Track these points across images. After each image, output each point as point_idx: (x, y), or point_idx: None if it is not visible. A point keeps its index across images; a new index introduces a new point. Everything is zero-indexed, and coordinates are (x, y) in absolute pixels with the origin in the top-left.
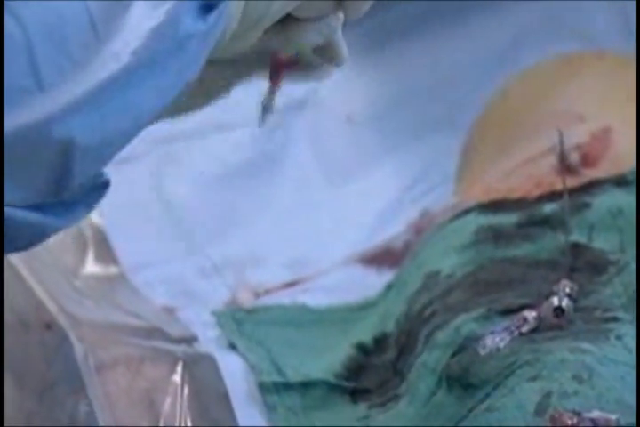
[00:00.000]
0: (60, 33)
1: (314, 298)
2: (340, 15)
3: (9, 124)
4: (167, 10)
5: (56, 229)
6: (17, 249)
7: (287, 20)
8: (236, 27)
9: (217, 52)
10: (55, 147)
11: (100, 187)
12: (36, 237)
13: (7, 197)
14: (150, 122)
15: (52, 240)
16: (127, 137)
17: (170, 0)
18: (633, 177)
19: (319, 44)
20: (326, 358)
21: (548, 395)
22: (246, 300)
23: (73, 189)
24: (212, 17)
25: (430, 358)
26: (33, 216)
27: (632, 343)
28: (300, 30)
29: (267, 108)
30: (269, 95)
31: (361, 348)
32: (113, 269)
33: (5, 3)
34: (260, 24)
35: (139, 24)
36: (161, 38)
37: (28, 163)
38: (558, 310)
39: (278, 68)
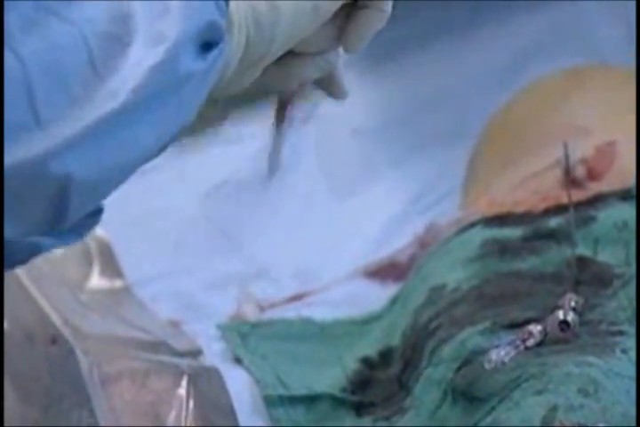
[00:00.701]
0: (60, 70)
1: (319, 312)
2: (340, 50)
3: (6, 159)
4: (167, 48)
5: (51, 248)
6: (15, 264)
7: (286, 55)
8: (236, 66)
9: (217, 90)
10: (52, 182)
11: (93, 214)
12: (33, 254)
13: (6, 233)
14: (149, 158)
15: (57, 254)
16: (125, 173)
17: (169, 39)
18: None
19: (318, 78)
20: (331, 372)
21: (553, 409)
22: (251, 313)
23: (70, 223)
24: (211, 56)
25: (436, 372)
26: (30, 238)
27: None
28: (300, 65)
29: (274, 161)
30: (276, 147)
31: (366, 362)
32: (118, 283)
33: (5, 39)
34: (260, 62)
35: (138, 62)
36: (160, 76)
37: (25, 198)
38: (564, 324)
39: (283, 113)
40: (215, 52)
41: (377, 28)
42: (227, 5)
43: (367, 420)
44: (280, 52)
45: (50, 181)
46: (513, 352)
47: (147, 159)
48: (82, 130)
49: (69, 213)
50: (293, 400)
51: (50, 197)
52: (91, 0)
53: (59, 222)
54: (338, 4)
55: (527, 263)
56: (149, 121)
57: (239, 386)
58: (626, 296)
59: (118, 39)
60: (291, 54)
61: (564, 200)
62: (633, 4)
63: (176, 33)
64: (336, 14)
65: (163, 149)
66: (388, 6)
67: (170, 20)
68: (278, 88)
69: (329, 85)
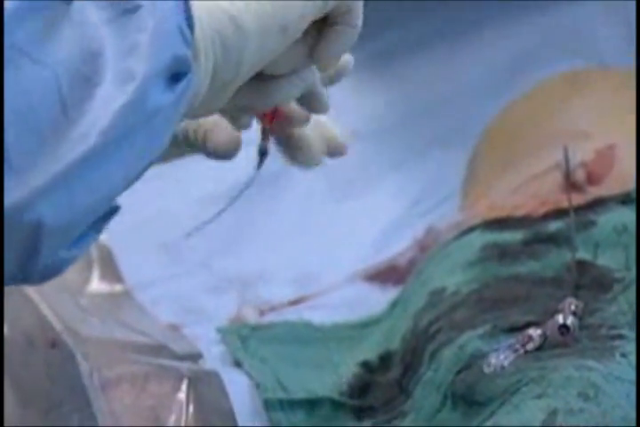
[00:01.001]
0: (31, 115)
1: (318, 315)
2: (314, 68)
3: None
4: (136, 87)
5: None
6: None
7: (260, 77)
8: (205, 91)
9: (187, 116)
10: (25, 229)
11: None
12: None
13: None
14: (119, 193)
15: None
16: (95, 213)
17: (138, 76)
18: None
19: (296, 96)
20: (331, 376)
21: (553, 412)
22: (251, 317)
23: (41, 266)
24: (179, 87)
25: (435, 376)
26: None
27: None
28: (272, 86)
29: (263, 152)
30: (263, 139)
31: (366, 365)
32: (118, 287)
33: None
34: (230, 85)
35: (106, 103)
36: (129, 115)
37: None
38: (563, 328)
39: (267, 113)
40: (183, 82)
41: (348, 45)
42: (192, 35)
43: (367, 424)
44: (250, 74)
45: (22, 227)
46: (512, 356)
47: (116, 195)
48: (53, 176)
49: (40, 259)
50: (293, 404)
51: (21, 243)
52: (63, 38)
53: (29, 266)
54: (306, 23)
55: (527, 267)
56: (119, 159)
57: (239, 390)
58: (626, 300)
59: (88, 79)
60: (264, 75)
61: (564, 204)
62: (633, 5)
63: (144, 70)
64: (306, 32)
65: (133, 181)
66: (359, 22)
67: (138, 57)
68: (254, 109)
69: (309, 102)
